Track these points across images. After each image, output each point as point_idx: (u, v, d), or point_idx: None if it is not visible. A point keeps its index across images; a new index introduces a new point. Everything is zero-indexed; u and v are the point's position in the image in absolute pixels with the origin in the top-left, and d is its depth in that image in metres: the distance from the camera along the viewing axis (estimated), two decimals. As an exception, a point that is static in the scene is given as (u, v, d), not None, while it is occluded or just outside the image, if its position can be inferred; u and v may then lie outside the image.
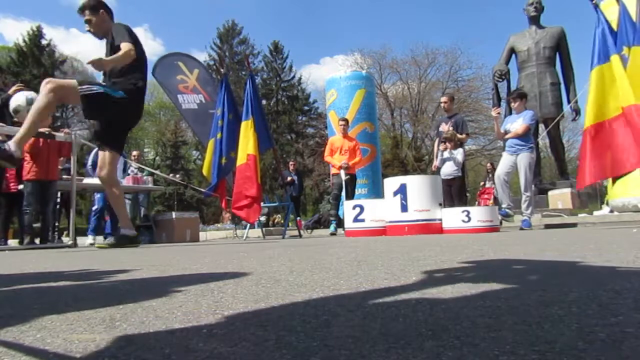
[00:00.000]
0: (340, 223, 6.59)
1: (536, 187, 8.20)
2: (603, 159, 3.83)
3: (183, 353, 0.55)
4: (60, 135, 4.98)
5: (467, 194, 8.58)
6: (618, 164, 3.77)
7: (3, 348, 0.61)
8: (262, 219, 8.96)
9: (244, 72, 29.91)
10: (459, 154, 6.24)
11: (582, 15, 40.52)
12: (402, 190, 5.19)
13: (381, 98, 28.63)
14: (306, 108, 33.54)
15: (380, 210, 5.46)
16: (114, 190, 3.88)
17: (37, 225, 5.29)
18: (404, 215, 5.15)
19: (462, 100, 28.15)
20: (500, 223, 5.59)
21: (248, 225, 6.45)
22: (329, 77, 11.47)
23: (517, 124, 5.45)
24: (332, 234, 6.51)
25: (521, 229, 5.35)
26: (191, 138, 30.57)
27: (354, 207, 5.63)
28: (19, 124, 5.22)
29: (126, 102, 3.68)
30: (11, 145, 3.20)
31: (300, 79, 33.96)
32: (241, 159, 5.87)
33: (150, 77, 4.58)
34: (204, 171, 6.60)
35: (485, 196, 11.05)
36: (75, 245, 4.95)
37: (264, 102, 28.86)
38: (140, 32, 45.11)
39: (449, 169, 6.24)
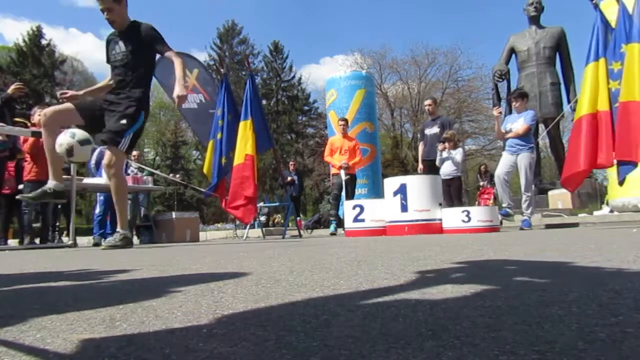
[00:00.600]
0: (340, 223, 6.59)
1: (536, 187, 8.20)
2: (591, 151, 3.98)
3: (183, 353, 0.55)
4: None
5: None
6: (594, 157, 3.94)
7: (3, 348, 0.61)
8: (262, 219, 8.97)
9: (244, 72, 29.92)
10: (457, 154, 6.24)
11: (582, 15, 40.52)
12: (402, 190, 5.19)
13: (381, 98, 28.63)
14: (306, 108, 33.55)
15: (380, 210, 5.46)
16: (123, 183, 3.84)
17: (37, 225, 5.29)
18: (404, 215, 5.14)
19: (462, 100, 28.19)
20: (501, 223, 5.59)
21: (248, 225, 6.45)
22: (328, 77, 11.47)
23: (517, 123, 5.44)
24: (332, 234, 6.51)
25: (521, 229, 5.34)
26: (191, 138, 30.59)
27: (354, 207, 5.63)
28: (20, 124, 5.24)
29: (145, 119, 3.75)
30: (51, 183, 3.50)
31: (300, 79, 34.01)
32: (238, 158, 5.86)
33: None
34: (205, 171, 6.60)
35: (485, 196, 11.04)
36: (75, 245, 4.95)
37: (264, 102, 28.86)
38: (140, 32, 44.84)
39: (448, 169, 6.24)
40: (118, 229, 3.76)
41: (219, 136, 6.27)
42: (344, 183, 6.48)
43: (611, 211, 7.64)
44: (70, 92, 3.89)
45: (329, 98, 11.09)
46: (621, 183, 4.04)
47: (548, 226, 6.79)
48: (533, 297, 0.82)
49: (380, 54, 29.83)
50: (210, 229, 13.44)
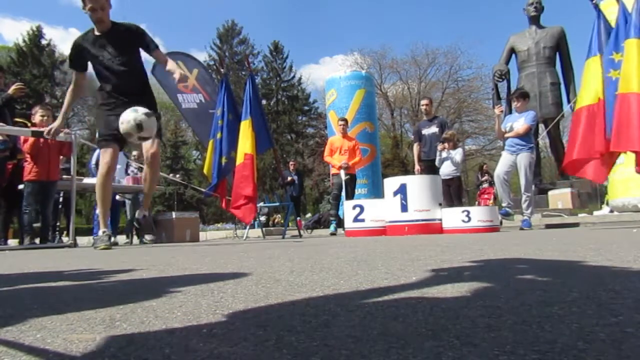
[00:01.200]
0: (340, 223, 6.59)
1: (536, 187, 8.20)
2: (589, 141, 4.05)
3: (183, 353, 0.55)
4: (60, 135, 4.98)
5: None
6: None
7: (3, 348, 0.61)
8: (262, 219, 8.97)
9: (244, 72, 29.92)
10: (457, 154, 6.24)
11: (582, 15, 40.53)
12: (402, 190, 5.19)
13: (381, 98, 28.65)
14: (306, 108, 33.55)
15: (380, 210, 5.46)
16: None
17: (37, 225, 5.28)
18: (404, 215, 5.15)
19: (462, 100, 28.19)
20: (501, 223, 5.59)
21: (248, 225, 6.45)
22: (328, 77, 11.47)
23: (518, 123, 5.44)
24: (332, 234, 6.51)
25: (521, 229, 5.35)
26: (191, 138, 30.59)
27: (354, 207, 5.63)
28: (20, 124, 5.24)
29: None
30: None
31: (300, 79, 34.00)
32: (239, 158, 5.87)
33: (150, 77, 4.56)
34: (205, 171, 6.60)
35: (485, 196, 11.04)
36: (75, 245, 4.95)
37: (264, 102, 28.88)
38: (140, 32, 44.79)
39: (447, 169, 6.24)
40: (143, 211, 3.93)
41: (218, 136, 6.27)
42: (343, 183, 6.48)
43: (611, 211, 7.64)
44: (54, 130, 3.97)
45: (329, 98, 11.09)
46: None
47: (548, 226, 6.80)
48: (533, 297, 0.82)
49: (380, 54, 29.88)
50: (210, 229, 13.44)
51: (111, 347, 0.59)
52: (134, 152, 7.96)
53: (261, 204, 6.73)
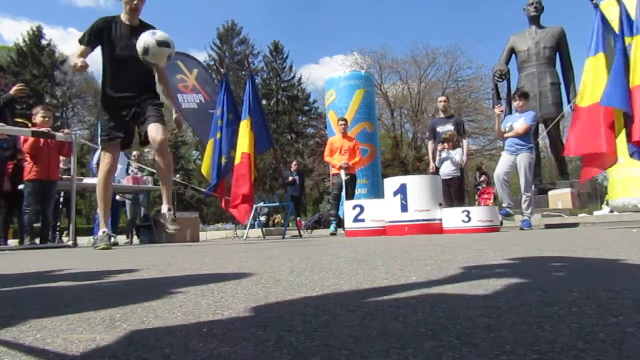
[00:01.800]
0: (340, 223, 6.59)
1: (536, 187, 8.20)
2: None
3: (183, 353, 0.55)
4: (60, 135, 4.99)
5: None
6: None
7: (3, 348, 0.61)
8: (262, 219, 8.96)
9: (244, 72, 29.91)
10: (457, 154, 6.24)
11: (582, 15, 40.53)
12: (402, 190, 5.19)
13: (381, 98, 28.65)
14: (306, 108, 33.56)
15: (380, 210, 5.46)
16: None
17: (37, 225, 5.29)
18: (404, 215, 5.14)
19: (462, 100, 28.20)
20: (501, 223, 5.59)
21: (248, 225, 6.45)
22: (328, 77, 11.46)
23: (518, 123, 5.44)
24: (332, 234, 6.51)
25: (521, 229, 5.34)
26: (191, 138, 30.59)
27: (354, 207, 5.63)
28: (20, 124, 5.24)
29: None
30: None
31: (300, 79, 34.02)
32: (238, 157, 5.87)
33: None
34: (203, 171, 6.59)
35: (485, 196, 11.04)
36: (75, 245, 4.95)
37: (264, 102, 28.87)
38: (140, 32, 44.98)
39: (447, 169, 6.24)
40: (166, 204, 3.85)
41: (218, 136, 6.27)
42: (344, 183, 6.48)
43: (611, 211, 7.64)
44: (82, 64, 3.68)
45: (328, 98, 11.07)
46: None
47: (548, 226, 6.79)
48: (533, 297, 0.82)
49: (380, 54, 29.87)
50: (210, 229, 13.45)
51: (111, 347, 0.59)
52: (134, 152, 7.97)
53: (261, 204, 6.72)
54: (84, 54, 3.64)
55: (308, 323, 0.68)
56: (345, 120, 7.05)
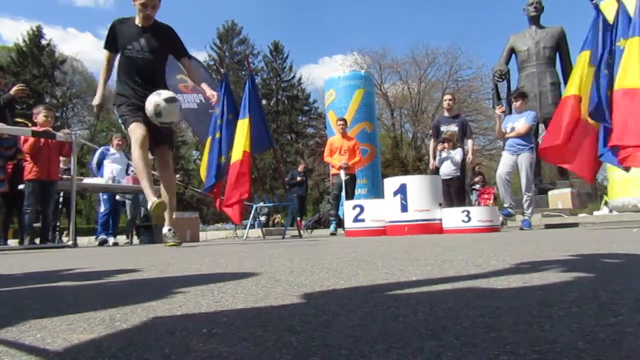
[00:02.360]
0: (340, 223, 6.58)
1: (536, 187, 8.20)
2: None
3: (183, 353, 0.55)
4: (60, 135, 4.98)
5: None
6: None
7: (3, 348, 0.61)
8: (262, 219, 8.96)
9: (244, 72, 29.94)
10: (457, 154, 6.23)
11: (582, 15, 40.51)
12: (402, 190, 5.19)
13: (381, 98, 28.64)
14: (306, 108, 33.57)
15: (380, 210, 5.46)
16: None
17: (37, 225, 5.29)
18: (404, 215, 5.14)
19: (462, 100, 28.16)
20: (502, 224, 5.59)
21: (248, 225, 6.45)
22: (327, 77, 11.45)
23: (519, 123, 5.44)
24: (332, 234, 6.51)
25: (521, 229, 5.35)
26: (191, 138, 30.56)
27: (354, 207, 5.63)
28: (21, 124, 5.24)
29: None
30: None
31: (300, 79, 34.02)
32: (236, 156, 5.82)
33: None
34: (201, 171, 6.58)
35: (485, 196, 11.04)
36: (75, 245, 4.95)
37: (264, 102, 28.87)
38: (140, 32, 45.00)
39: (447, 169, 6.24)
40: (167, 225, 3.97)
41: (217, 135, 6.25)
42: (343, 183, 6.48)
43: (611, 211, 7.64)
44: (98, 105, 3.92)
45: (328, 98, 11.07)
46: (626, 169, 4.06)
47: (548, 226, 6.80)
48: (533, 297, 0.82)
49: (380, 54, 29.88)
50: (210, 229, 13.44)
51: (111, 347, 0.59)
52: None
53: (261, 204, 6.71)
54: (109, 60, 3.84)
55: (308, 323, 0.68)
56: (344, 120, 7.04)
